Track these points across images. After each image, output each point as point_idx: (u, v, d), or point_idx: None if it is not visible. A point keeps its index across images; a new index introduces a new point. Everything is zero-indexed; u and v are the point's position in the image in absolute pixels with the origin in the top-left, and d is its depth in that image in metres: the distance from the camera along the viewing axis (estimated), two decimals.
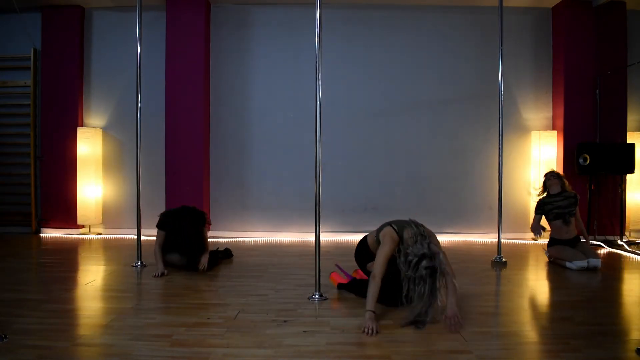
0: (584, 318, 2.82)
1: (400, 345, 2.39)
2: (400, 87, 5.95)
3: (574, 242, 4.29)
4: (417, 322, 2.60)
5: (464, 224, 5.92)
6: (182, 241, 3.92)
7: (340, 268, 3.55)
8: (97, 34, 6.08)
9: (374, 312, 2.62)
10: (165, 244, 4.03)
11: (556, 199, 4.33)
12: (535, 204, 4.44)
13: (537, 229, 4.32)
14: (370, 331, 2.52)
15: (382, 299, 2.78)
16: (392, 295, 2.80)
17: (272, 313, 2.89)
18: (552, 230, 4.41)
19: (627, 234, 5.71)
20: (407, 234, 2.77)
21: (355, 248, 3.37)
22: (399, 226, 2.87)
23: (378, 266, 2.74)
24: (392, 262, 2.74)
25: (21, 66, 6.02)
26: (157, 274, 3.81)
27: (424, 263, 2.50)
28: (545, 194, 4.44)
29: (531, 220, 4.70)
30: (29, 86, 5.97)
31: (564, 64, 5.67)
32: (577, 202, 4.33)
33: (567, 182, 4.40)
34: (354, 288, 3.24)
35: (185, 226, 3.90)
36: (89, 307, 3.07)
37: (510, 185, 5.80)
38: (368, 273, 3.11)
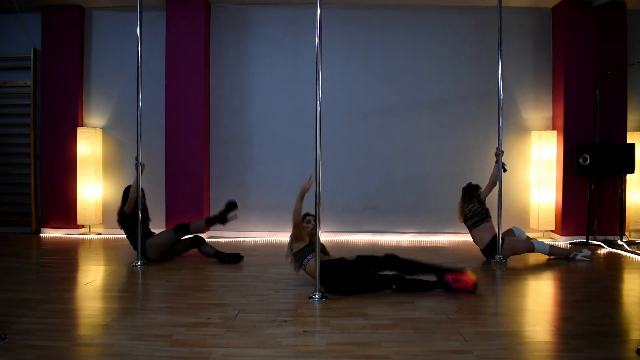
0: (584, 318, 2.82)
1: (400, 345, 2.39)
2: (400, 87, 5.94)
3: None
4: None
5: None
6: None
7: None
8: (97, 34, 6.07)
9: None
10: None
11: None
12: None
13: None
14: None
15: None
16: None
17: (272, 313, 2.89)
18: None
19: (627, 234, 5.70)
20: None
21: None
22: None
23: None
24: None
25: (21, 66, 6.01)
26: None
27: None
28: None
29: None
30: (29, 86, 5.97)
31: (564, 63, 5.66)
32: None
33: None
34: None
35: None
36: (89, 307, 3.08)
37: (510, 185, 5.79)
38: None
